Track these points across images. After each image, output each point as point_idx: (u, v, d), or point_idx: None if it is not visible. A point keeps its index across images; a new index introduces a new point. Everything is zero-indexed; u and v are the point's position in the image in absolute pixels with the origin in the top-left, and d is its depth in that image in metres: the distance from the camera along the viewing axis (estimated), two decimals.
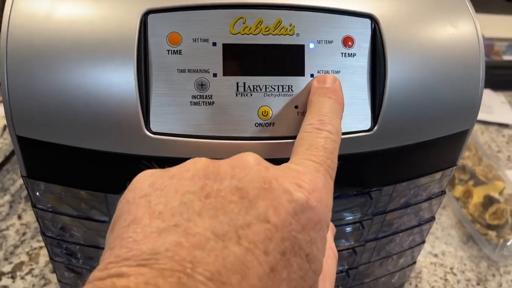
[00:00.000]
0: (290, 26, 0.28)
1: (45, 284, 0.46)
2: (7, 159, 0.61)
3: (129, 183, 0.21)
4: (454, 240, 0.55)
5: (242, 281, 0.16)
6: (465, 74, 0.31)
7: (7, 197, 0.56)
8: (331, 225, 0.26)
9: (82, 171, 0.30)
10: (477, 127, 0.80)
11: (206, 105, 0.28)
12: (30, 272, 0.47)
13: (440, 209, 0.59)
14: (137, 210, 0.18)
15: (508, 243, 0.52)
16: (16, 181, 0.59)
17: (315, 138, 0.23)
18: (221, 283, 0.16)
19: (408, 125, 0.30)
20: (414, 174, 0.34)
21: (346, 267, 0.39)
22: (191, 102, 0.27)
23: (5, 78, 0.26)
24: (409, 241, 0.41)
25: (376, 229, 0.37)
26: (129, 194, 0.20)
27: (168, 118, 0.27)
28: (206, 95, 0.28)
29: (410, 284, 0.49)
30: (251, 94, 0.28)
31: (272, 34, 0.28)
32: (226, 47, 0.27)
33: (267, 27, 0.28)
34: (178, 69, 0.27)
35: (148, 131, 0.27)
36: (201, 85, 0.28)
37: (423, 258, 0.52)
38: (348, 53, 0.29)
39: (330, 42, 0.29)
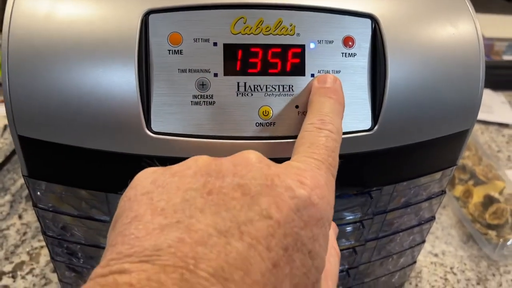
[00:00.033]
0: (290, 26, 0.28)
1: (45, 284, 0.46)
2: (8, 159, 0.61)
3: (131, 181, 0.21)
4: (454, 240, 0.55)
5: (245, 277, 0.16)
6: (465, 74, 0.31)
7: (8, 197, 0.56)
8: (334, 225, 0.26)
9: (83, 171, 0.30)
10: (477, 127, 0.80)
11: (207, 105, 0.28)
12: (30, 271, 0.47)
13: (440, 208, 0.60)
14: (139, 207, 0.18)
15: (508, 243, 0.52)
16: (16, 180, 0.59)
17: (316, 137, 0.23)
18: (224, 279, 0.16)
19: (408, 125, 0.30)
20: (414, 174, 0.34)
21: (346, 266, 0.39)
22: (192, 102, 0.28)
23: (6, 78, 0.26)
24: (409, 241, 0.41)
25: (377, 229, 0.37)
26: (131, 192, 0.20)
27: (169, 117, 0.27)
28: (207, 95, 0.28)
29: (410, 283, 0.49)
30: (252, 94, 0.28)
31: (273, 34, 0.28)
32: (227, 47, 0.28)
33: (268, 27, 0.28)
34: (179, 69, 0.27)
35: (149, 130, 0.27)
36: (202, 85, 0.28)
37: (423, 257, 0.53)
38: (349, 53, 0.29)
39: (331, 42, 0.29)
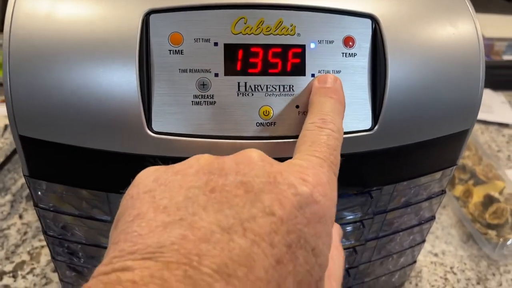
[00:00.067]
0: (291, 26, 0.28)
1: (46, 283, 0.46)
2: (8, 158, 0.61)
3: (133, 179, 0.21)
4: (454, 240, 0.55)
5: (249, 273, 0.16)
6: (465, 74, 0.31)
7: (8, 197, 0.56)
8: (338, 227, 0.26)
9: (84, 171, 0.30)
10: (477, 127, 0.80)
11: (207, 104, 0.28)
12: (31, 271, 0.47)
13: (440, 208, 0.60)
14: (141, 205, 0.18)
15: (508, 243, 0.52)
16: (17, 180, 0.59)
17: (318, 136, 0.23)
18: (227, 275, 0.16)
19: (409, 124, 0.30)
20: (414, 174, 0.34)
21: (346, 266, 0.39)
22: (192, 101, 0.28)
23: (8, 78, 0.26)
24: (409, 240, 0.41)
25: (377, 228, 0.37)
26: (133, 190, 0.20)
27: (170, 117, 0.27)
28: (207, 95, 0.28)
29: (410, 283, 0.49)
30: (252, 94, 0.28)
31: (273, 34, 0.28)
32: (228, 47, 0.28)
33: (268, 27, 0.28)
34: (179, 69, 0.27)
35: (150, 130, 0.27)
36: (203, 85, 0.28)
37: (423, 257, 0.53)
38: (349, 53, 0.29)
39: (331, 42, 0.29)
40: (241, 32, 0.28)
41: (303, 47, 0.28)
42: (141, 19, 0.27)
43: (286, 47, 0.28)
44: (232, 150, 0.28)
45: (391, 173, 0.33)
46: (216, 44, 0.28)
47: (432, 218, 0.40)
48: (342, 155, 0.24)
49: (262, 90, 0.28)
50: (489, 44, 0.98)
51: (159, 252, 0.16)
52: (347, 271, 0.39)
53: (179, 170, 0.20)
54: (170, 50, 0.27)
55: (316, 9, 0.28)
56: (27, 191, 0.57)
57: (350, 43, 0.29)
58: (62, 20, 0.27)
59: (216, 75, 0.28)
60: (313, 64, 0.29)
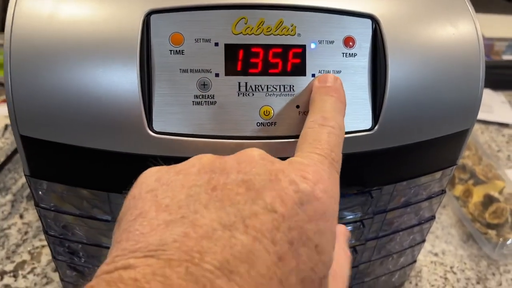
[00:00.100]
0: (291, 26, 0.28)
1: (47, 283, 0.46)
2: (9, 158, 0.61)
3: (134, 179, 0.21)
4: (454, 239, 0.56)
5: (250, 270, 0.16)
6: (465, 74, 0.31)
7: (9, 197, 0.56)
8: (344, 228, 0.26)
9: (85, 171, 0.30)
10: (477, 127, 0.80)
11: (208, 104, 0.28)
12: (32, 271, 0.47)
13: (440, 208, 0.60)
14: (143, 204, 0.19)
15: (508, 242, 0.52)
16: (17, 180, 0.59)
17: (319, 133, 0.23)
18: (229, 271, 0.16)
19: (409, 124, 0.30)
20: (414, 173, 0.34)
21: None
22: (193, 102, 0.28)
23: (9, 78, 0.27)
24: (409, 240, 0.41)
25: (377, 228, 0.37)
26: (135, 190, 0.20)
27: (171, 117, 0.27)
28: (208, 95, 0.28)
29: (410, 283, 0.49)
30: (253, 94, 0.28)
31: (274, 35, 0.28)
32: (228, 47, 0.28)
33: (269, 27, 0.28)
34: (180, 69, 0.27)
35: (151, 130, 0.27)
36: (203, 85, 0.28)
37: (423, 257, 0.53)
38: (349, 53, 0.29)
39: (331, 42, 0.29)
40: (241, 32, 0.28)
41: (303, 47, 0.28)
42: (142, 19, 0.27)
43: (286, 47, 0.28)
44: (232, 150, 0.28)
45: (391, 173, 0.33)
46: (216, 44, 0.28)
47: (432, 217, 0.40)
48: (342, 155, 0.24)
49: (262, 90, 0.28)
50: (489, 44, 0.98)
51: (161, 249, 0.16)
52: None
53: (181, 170, 0.20)
54: (171, 50, 0.27)
55: (317, 9, 0.29)
56: (28, 190, 0.58)
57: (351, 43, 0.29)
58: (63, 20, 0.27)
59: (217, 75, 0.28)
60: (314, 64, 0.29)
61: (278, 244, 0.17)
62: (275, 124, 0.29)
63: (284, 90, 0.28)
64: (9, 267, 0.47)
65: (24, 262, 0.48)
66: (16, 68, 0.26)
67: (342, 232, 0.26)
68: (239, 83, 0.28)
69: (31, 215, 0.54)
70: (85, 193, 0.32)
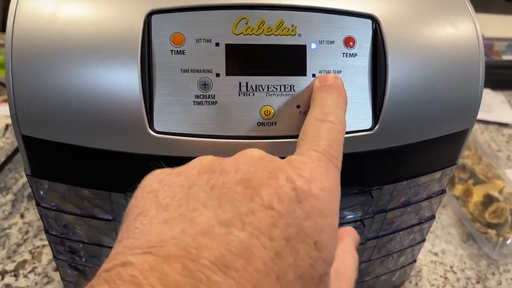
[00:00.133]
0: (292, 26, 0.28)
1: (47, 282, 0.46)
2: (9, 158, 0.62)
3: (135, 178, 0.21)
4: (454, 239, 0.56)
5: (247, 266, 0.16)
6: (465, 73, 0.31)
7: (10, 196, 0.57)
8: (353, 231, 0.26)
9: (86, 170, 0.30)
10: (477, 127, 0.80)
11: (209, 104, 0.28)
12: (33, 270, 0.47)
13: (440, 208, 0.60)
14: (144, 204, 0.19)
15: (508, 242, 0.53)
16: (18, 180, 0.59)
17: (317, 129, 0.23)
18: (225, 266, 0.16)
19: (409, 124, 0.30)
20: (414, 173, 0.34)
21: None
22: (194, 101, 0.28)
23: (10, 78, 0.27)
24: (409, 240, 0.41)
25: (377, 228, 0.37)
26: (138, 192, 0.20)
27: (172, 117, 0.28)
28: (209, 95, 0.28)
29: (410, 282, 0.50)
30: (254, 94, 0.28)
31: (274, 35, 0.28)
32: (229, 47, 0.28)
33: (269, 27, 0.28)
34: (181, 69, 0.28)
35: (152, 130, 0.27)
36: (204, 85, 0.28)
37: (423, 256, 0.53)
38: (350, 53, 0.29)
39: (332, 42, 0.29)
40: (242, 33, 0.28)
41: (304, 47, 0.29)
42: (143, 19, 0.27)
43: (287, 48, 0.28)
44: (233, 149, 0.28)
45: (391, 172, 0.33)
46: (217, 44, 0.28)
47: (432, 217, 0.40)
48: (342, 155, 0.24)
49: (263, 90, 0.28)
50: (489, 44, 0.98)
51: (159, 246, 0.16)
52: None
53: (182, 172, 0.20)
54: (172, 51, 0.27)
55: (317, 10, 0.29)
56: (28, 190, 0.58)
57: (351, 43, 0.29)
58: (64, 20, 0.27)
59: (218, 75, 0.28)
60: (314, 64, 0.29)
61: (275, 241, 0.17)
62: (275, 124, 0.29)
63: (284, 90, 0.29)
64: (10, 266, 0.47)
65: (25, 261, 0.48)
66: (17, 68, 0.26)
67: (350, 234, 0.26)
68: (240, 83, 0.28)
69: (32, 215, 0.54)
70: (86, 193, 0.32)
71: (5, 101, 0.75)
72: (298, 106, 0.29)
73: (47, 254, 0.49)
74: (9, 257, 0.48)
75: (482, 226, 0.55)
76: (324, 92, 0.27)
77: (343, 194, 0.34)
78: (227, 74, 0.28)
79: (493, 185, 0.59)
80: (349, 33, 0.29)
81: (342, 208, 0.35)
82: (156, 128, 0.27)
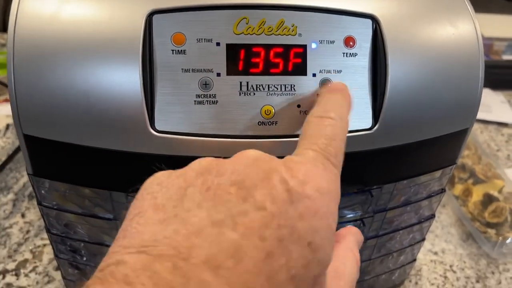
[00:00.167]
0: (292, 26, 0.28)
1: (48, 282, 0.46)
2: (10, 157, 0.62)
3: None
4: (453, 238, 0.56)
5: (237, 265, 0.16)
6: (465, 73, 0.31)
7: (11, 196, 0.57)
8: (356, 231, 0.26)
9: (87, 169, 0.30)
10: (476, 126, 0.80)
11: (210, 104, 0.28)
12: (33, 269, 0.47)
13: (440, 207, 0.60)
14: (142, 204, 0.19)
15: (507, 241, 0.53)
16: (19, 179, 0.59)
17: (316, 127, 0.23)
18: (215, 266, 0.16)
19: (409, 123, 0.30)
20: (414, 172, 0.34)
21: None
22: (195, 101, 0.28)
23: (12, 78, 0.27)
24: (409, 239, 0.41)
25: (377, 227, 0.37)
26: (139, 193, 0.20)
27: (173, 117, 0.28)
28: (210, 94, 0.28)
29: (410, 281, 0.50)
30: (254, 93, 0.28)
31: (275, 34, 0.28)
32: (230, 47, 0.28)
33: (270, 27, 0.28)
34: (182, 69, 0.28)
35: (153, 129, 0.27)
36: (205, 85, 0.28)
37: (423, 255, 0.53)
38: (350, 53, 0.29)
39: (332, 42, 0.29)
40: (243, 32, 0.28)
41: (304, 47, 0.29)
42: (144, 19, 0.27)
43: (287, 47, 0.28)
44: (234, 148, 0.28)
45: (391, 171, 0.33)
46: (218, 44, 0.28)
47: (432, 216, 0.40)
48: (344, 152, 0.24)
49: (263, 89, 0.29)
50: (488, 43, 0.98)
51: (152, 245, 0.17)
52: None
53: (181, 174, 0.20)
54: (173, 50, 0.28)
55: (317, 10, 0.29)
56: (29, 190, 0.58)
57: (351, 43, 0.29)
58: (66, 20, 0.27)
59: (218, 74, 0.28)
60: (314, 64, 0.29)
61: (267, 241, 0.17)
62: (276, 123, 0.29)
63: (285, 89, 0.29)
64: (11, 265, 0.48)
65: (26, 260, 0.48)
66: (19, 67, 0.27)
67: (353, 234, 0.26)
68: (241, 82, 0.28)
69: (33, 214, 0.54)
70: (87, 192, 0.32)
71: (5, 100, 0.75)
72: (298, 106, 0.29)
73: (48, 253, 0.49)
74: (10, 256, 0.49)
75: (481, 226, 0.55)
76: (327, 93, 0.27)
77: (343, 193, 0.34)
78: (228, 74, 0.28)
79: (492, 184, 0.59)
80: (349, 33, 0.29)
81: (342, 207, 0.35)
82: (157, 128, 0.28)
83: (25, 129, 0.28)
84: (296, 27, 0.28)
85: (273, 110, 0.29)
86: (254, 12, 0.28)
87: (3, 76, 0.76)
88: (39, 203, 0.33)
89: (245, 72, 0.28)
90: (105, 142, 0.28)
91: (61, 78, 0.27)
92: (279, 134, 0.29)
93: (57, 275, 0.47)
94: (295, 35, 0.29)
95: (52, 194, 0.33)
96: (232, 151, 0.28)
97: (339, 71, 0.29)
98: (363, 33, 0.29)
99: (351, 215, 0.36)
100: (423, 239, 0.43)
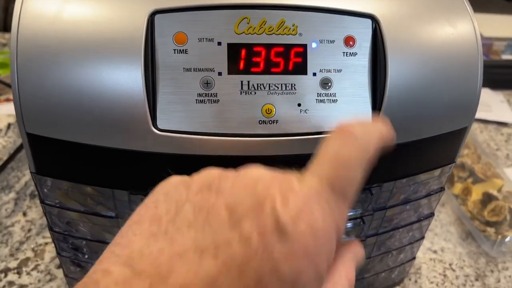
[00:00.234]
0: (293, 26, 0.29)
1: (50, 280, 0.47)
2: (12, 157, 0.62)
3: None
4: (453, 237, 0.56)
5: None
6: (464, 72, 0.31)
7: (12, 194, 0.57)
8: (357, 248, 0.23)
9: (90, 168, 0.30)
10: (476, 126, 0.80)
11: (211, 103, 0.28)
12: (35, 267, 0.48)
13: (439, 206, 0.60)
14: (144, 212, 0.19)
15: (506, 240, 0.53)
16: (20, 178, 0.60)
17: (334, 143, 0.20)
18: None
19: (408, 122, 0.31)
20: (413, 171, 0.35)
21: None
22: (196, 100, 0.28)
23: (15, 77, 0.27)
24: (408, 237, 0.42)
25: (377, 225, 0.38)
26: (146, 199, 0.20)
27: (174, 115, 0.28)
28: (211, 93, 0.28)
29: (410, 279, 0.50)
30: (255, 92, 0.29)
31: (276, 34, 0.29)
32: (231, 47, 0.28)
33: (271, 27, 0.28)
34: (184, 68, 0.28)
35: (155, 128, 0.28)
36: (207, 84, 0.28)
37: (423, 254, 0.53)
38: (350, 53, 0.30)
39: (332, 41, 0.29)
40: (244, 32, 0.28)
41: (304, 46, 0.29)
42: (146, 19, 0.27)
43: (288, 47, 0.29)
44: (235, 147, 0.29)
45: (390, 170, 0.34)
46: (219, 43, 0.28)
47: (431, 215, 0.41)
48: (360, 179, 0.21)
49: (264, 88, 0.29)
50: (488, 43, 0.99)
51: (138, 259, 0.17)
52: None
53: (187, 186, 0.20)
54: (174, 50, 0.28)
55: (318, 10, 0.29)
56: (31, 188, 0.58)
57: (351, 43, 0.30)
58: (69, 20, 0.27)
59: (220, 74, 0.28)
60: (315, 63, 0.29)
61: (245, 278, 0.16)
62: (276, 122, 0.29)
63: (285, 88, 0.29)
64: (13, 264, 0.48)
65: (27, 259, 0.49)
66: (22, 67, 0.27)
67: (352, 251, 0.23)
68: (242, 81, 0.29)
69: (34, 213, 0.54)
70: (89, 190, 0.32)
71: (6, 100, 0.76)
72: (299, 105, 0.29)
73: (49, 252, 0.49)
74: (12, 255, 0.49)
75: (481, 224, 0.55)
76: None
77: None
78: (229, 73, 0.28)
79: (492, 183, 0.60)
80: (349, 33, 0.30)
81: None
82: (159, 126, 0.28)
83: (28, 127, 0.28)
84: (297, 26, 0.29)
85: (274, 109, 0.29)
86: (255, 12, 0.28)
87: (4, 76, 0.77)
88: (41, 201, 0.33)
89: (246, 71, 0.29)
90: (107, 141, 0.28)
91: (64, 77, 0.27)
92: (280, 133, 0.29)
93: (59, 273, 0.47)
94: (296, 34, 0.29)
95: (54, 192, 0.33)
96: (232, 150, 0.29)
97: (339, 71, 0.29)
98: (363, 33, 0.30)
99: (351, 213, 0.36)
100: (423, 238, 0.43)
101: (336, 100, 0.29)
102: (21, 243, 0.50)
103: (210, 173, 0.20)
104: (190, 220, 0.18)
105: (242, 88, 0.29)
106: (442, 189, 0.39)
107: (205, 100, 0.28)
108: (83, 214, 0.34)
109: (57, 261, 0.48)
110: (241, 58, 0.28)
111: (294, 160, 0.30)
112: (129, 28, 0.27)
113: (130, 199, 0.32)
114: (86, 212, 0.34)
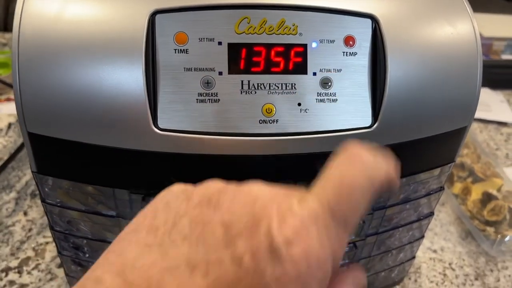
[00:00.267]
0: (293, 26, 0.29)
1: (51, 279, 0.47)
2: (12, 156, 0.62)
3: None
4: (453, 236, 0.56)
5: None
6: (463, 72, 0.31)
7: (13, 194, 0.57)
8: (358, 275, 0.22)
9: (91, 167, 0.31)
10: (475, 125, 0.81)
11: (211, 102, 0.28)
12: (36, 267, 0.48)
13: (439, 206, 0.60)
14: (143, 220, 0.19)
15: (506, 239, 0.53)
16: (21, 178, 0.60)
17: (337, 166, 0.19)
18: None
19: (408, 121, 0.31)
20: (413, 170, 0.35)
21: (347, 261, 0.40)
22: (197, 99, 0.28)
23: (17, 77, 0.27)
24: (408, 236, 0.42)
25: (377, 224, 0.38)
26: (147, 207, 0.20)
27: (175, 115, 0.28)
28: (211, 93, 0.28)
29: (410, 279, 0.50)
30: (255, 92, 0.29)
31: (276, 34, 0.29)
32: (231, 46, 0.28)
33: (271, 26, 0.29)
34: (184, 68, 0.28)
35: (156, 127, 0.28)
36: (207, 83, 0.28)
37: (422, 253, 0.53)
38: (350, 52, 0.30)
39: (332, 41, 0.29)
40: (244, 32, 0.28)
41: (305, 46, 0.29)
42: (147, 19, 0.27)
43: (288, 46, 0.29)
44: (235, 147, 0.29)
45: None
46: (220, 43, 0.28)
47: (431, 214, 0.41)
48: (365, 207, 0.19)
49: (265, 88, 0.29)
50: (488, 43, 0.99)
51: (130, 269, 0.17)
52: (347, 267, 0.40)
53: (187, 197, 0.20)
54: (175, 49, 0.28)
55: (318, 9, 0.29)
56: (32, 188, 0.58)
57: (351, 43, 0.30)
58: (70, 20, 0.27)
59: (220, 73, 0.28)
60: (315, 63, 0.29)
61: None
62: (277, 121, 0.29)
63: (286, 88, 0.29)
64: (14, 263, 0.48)
65: (28, 258, 0.49)
66: (24, 67, 0.27)
67: (352, 276, 0.22)
68: (242, 81, 0.29)
69: (35, 212, 0.54)
70: (90, 189, 0.33)
71: (7, 100, 0.76)
72: (299, 104, 0.29)
73: (50, 251, 0.50)
74: (12, 254, 0.49)
75: (480, 224, 0.55)
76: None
77: None
78: (229, 73, 0.28)
79: (491, 183, 0.60)
80: (349, 33, 0.30)
81: None
82: (160, 126, 0.28)
83: (30, 127, 0.28)
84: (297, 26, 0.29)
85: (274, 109, 0.29)
86: (255, 12, 0.28)
87: (4, 76, 0.77)
88: (42, 201, 0.33)
89: (247, 71, 0.29)
90: (108, 140, 0.28)
91: (65, 77, 0.27)
92: (280, 132, 0.29)
93: (60, 272, 0.47)
94: (296, 34, 0.29)
95: (55, 191, 0.33)
96: (233, 149, 0.29)
97: (339, 70, 0.30)
98: (363, 33, 0.30)
99: None
100: (422, 237, 0.43)
101: (336, 100, 0.30)
102: (22, 242, 0.51)
103: (212, 186, 0.20)
104: (185, 234, 0.18)
105: (242, 87, 0.29)
106: (441, 189, 0.39)
107: (206, 100, 0.28)
108: (84, 213, 0.34)
109: (58, 260, 0.48)
110: (242, 57, 0.28)
111: (294, 160, 0.30)
112: (130, 28, 0.27)
113: (131, 198, 0.32)
114: (87, 211, 0.34)
